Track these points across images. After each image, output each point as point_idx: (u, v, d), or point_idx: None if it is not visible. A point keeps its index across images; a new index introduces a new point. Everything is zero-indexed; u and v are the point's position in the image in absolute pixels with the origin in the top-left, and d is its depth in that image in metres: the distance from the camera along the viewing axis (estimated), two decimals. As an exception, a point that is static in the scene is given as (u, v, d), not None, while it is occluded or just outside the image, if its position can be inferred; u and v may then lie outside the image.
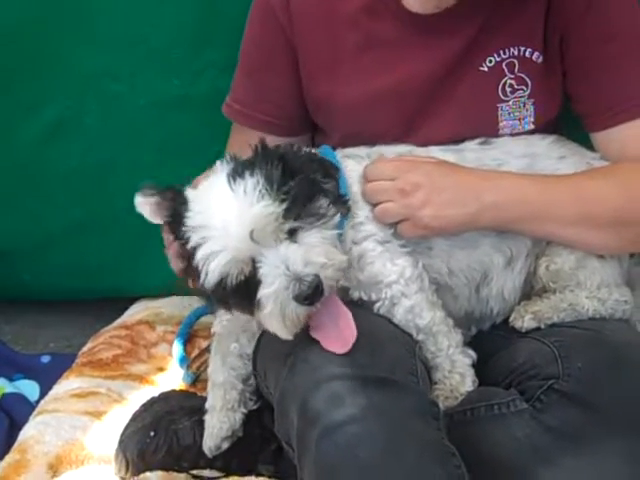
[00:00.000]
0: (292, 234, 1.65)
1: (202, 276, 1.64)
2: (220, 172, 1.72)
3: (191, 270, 1.68)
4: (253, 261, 1.64)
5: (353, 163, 1.96)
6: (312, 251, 1.65)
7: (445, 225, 1.89)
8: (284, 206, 1.64)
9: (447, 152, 2.01)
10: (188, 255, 1.67)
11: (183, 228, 1.67)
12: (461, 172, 1.93)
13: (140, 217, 2.72)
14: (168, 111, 2.63)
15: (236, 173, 1.67)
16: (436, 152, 2.01)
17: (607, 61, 1.97)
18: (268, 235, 1.63)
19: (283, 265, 1.62)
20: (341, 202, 1.77)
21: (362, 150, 2.00)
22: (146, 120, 2.65)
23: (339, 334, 1.70)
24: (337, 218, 1.73)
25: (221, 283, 1.64)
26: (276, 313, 1.64)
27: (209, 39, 2.54)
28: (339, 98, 2.06)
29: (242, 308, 1.70)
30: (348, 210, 1.81)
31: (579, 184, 1.95)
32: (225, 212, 1.63)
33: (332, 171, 1.79)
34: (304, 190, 1.68)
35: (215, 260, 1.62)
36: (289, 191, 1.65)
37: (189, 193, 1.73)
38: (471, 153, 2.00)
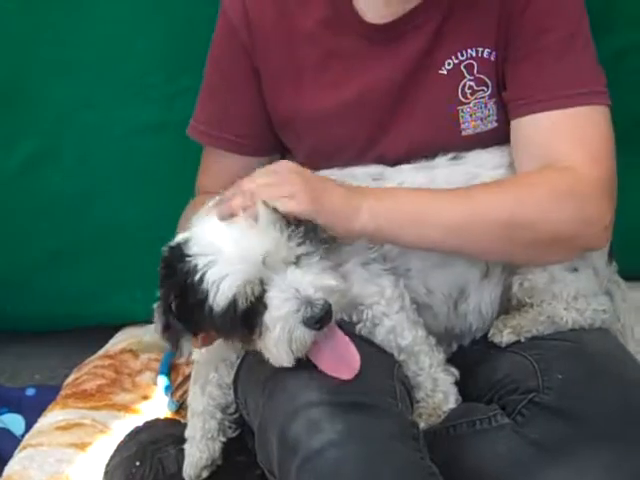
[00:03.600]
0: (298, 260, 1.67)
1: (211, 298, 1.64)
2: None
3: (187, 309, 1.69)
4: (262, 283, 1.65)
5: None
6: (320, 276, 1.66)
7: (326, 209, 1.77)
8: (293, 232, 1.66)
9: (419, 170, 2.00)
10: (189, 285, 1.66)
11: (186, 259, 1.67)
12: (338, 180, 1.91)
13: (120, 245, 2.75)
14: (144, 138, 2.65)
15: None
16: (408, 171, 2.01)
17: (536, 51, 1.94)
18: (279, 260, 1.65)
19: (293, 289, 1.64)
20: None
21: (335, 171, 1.99)
22: (123, 148, 2.67)
23: (343, 360, 1.71)
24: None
25: (232, 305, 1.64)
26: (283, 337, 1.64)
27: (183, 65, 2.56)
28: (303, 114, 2.07)
29: (244, 335, 1.70)
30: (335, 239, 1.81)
31: (468, 190, 1.92)
32: (237, 236, 1.65)
33: None
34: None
35: (228, 280, 1.63)
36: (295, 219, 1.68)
37: (182, 235, 1.74)
38: (442, 170, 2.00)
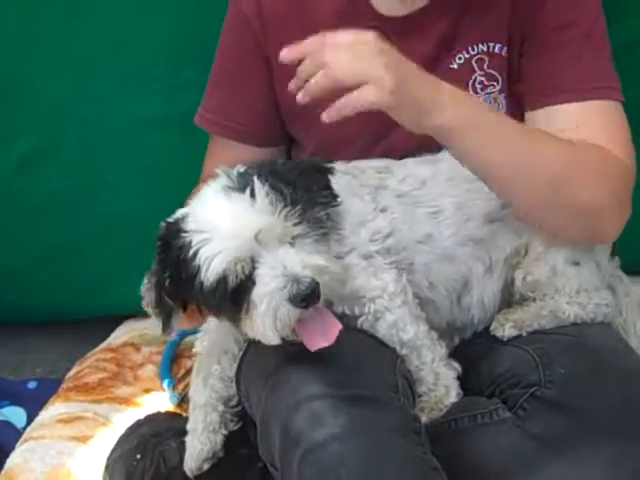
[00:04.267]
0: (292, 241, 1.67)
1: (202, 274, 1.64)
2: (219, 181, 1.73)
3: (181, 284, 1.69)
4: (252, 261, 1.65)
5: (334, 178, 1.95)
6: (311, 255, 1.66)
7: (406, 98, 1.71)
8: (290, 211, 1.66)
9: (423, 164, 2.01)
10: (182, 260, 1.67)
11: (182, 234, 1.68)
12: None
13: (122, 238, 2.75)
14: (146, 132, 2.65)
15: (240, 179, 1.70)
16: (412, 164, 2.01)
17: (558, 45, 1.95)
18: (272, 238, 1.65)
19: (281, 266, 1.64)
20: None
21: (340, 165, 1.99)
22: (124, 142, 2.67)
23: (323, 331, 1.70)
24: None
25: (222, 282, 1.64)
26: (269, 314, 1.64)
27: (185, 58, 2.56)
28: (312, 106, 2.05)
29: (232, 313, 1.70)
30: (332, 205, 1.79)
31: (536, 133, 1.90)
32: (232, 213, 1.65)
33: (328, 180, 1.79)
34: (306, 198, 1.70)
35: (219, 257, 1.63)
36: (293, 198, 1.67)
37: (180, 211, 1.74)
38: (446, 163, 1.99)
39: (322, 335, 1.69)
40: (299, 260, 1.64)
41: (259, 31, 2.07)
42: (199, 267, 1.65)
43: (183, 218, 1.72)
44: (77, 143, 2.68)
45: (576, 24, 1.96)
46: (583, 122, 1.93)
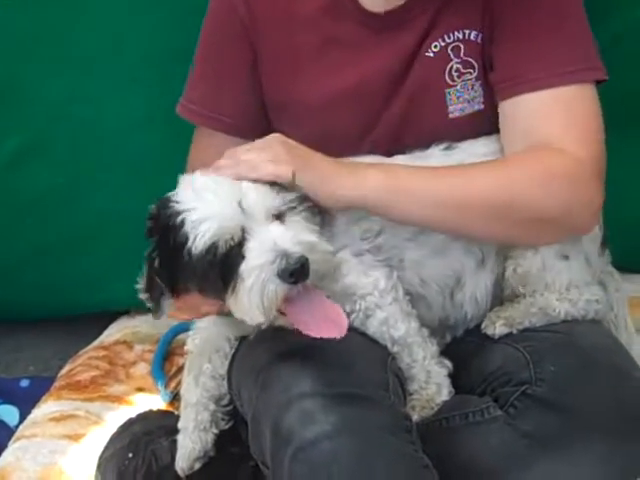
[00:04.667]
0: (281, 217, 1.68)
1: (190, 242, 1.64)
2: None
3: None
4: (243, 232, 1.65)
5: None
6: (302, 232, 1.67)
7: (319, 176, 1.81)
8: (276, 187, 1.68)
9: (414, 160, 2.00)
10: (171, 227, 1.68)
11: (169, 204, 1.69)
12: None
13: (112, 236, 2.75)
14: (135, 132, 2.65)
15: None
16: (403, 161, 2.00)
17: (524, 31, 1.94)
18: (259, 210, 1.65)
19: (271, 241, 1.64)
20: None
21: None
22: (113, 141, 2.67)
23: (328, 319, 1.69)
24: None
25: (211, 249, 1.64)
26: (256, 288, 1.63)
27: (173, 58, 2.54)
28: (299, 100, 2.07)
29: (219, 287, 1.69)
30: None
31: (461, 168, 1.93)
32: (217, 185, 1.68)
33: None
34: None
35: (206, 223, 1.63)
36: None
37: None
38: (436, 159, 1.99)
39: (331, 323, 1.68)
40: (290, 236, 1.64)
41: (246, 18, 2.06)
42: (187, 235, 1.65)
43: (172, 195, 1.73)
44: (68, 141, 2.67)
45: (542, 7, 1.94)
46: (543, 112, 1.92)
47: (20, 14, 2.54)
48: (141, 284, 1.76)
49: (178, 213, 1.67)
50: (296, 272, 1.62)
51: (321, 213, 1.80)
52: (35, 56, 2.57)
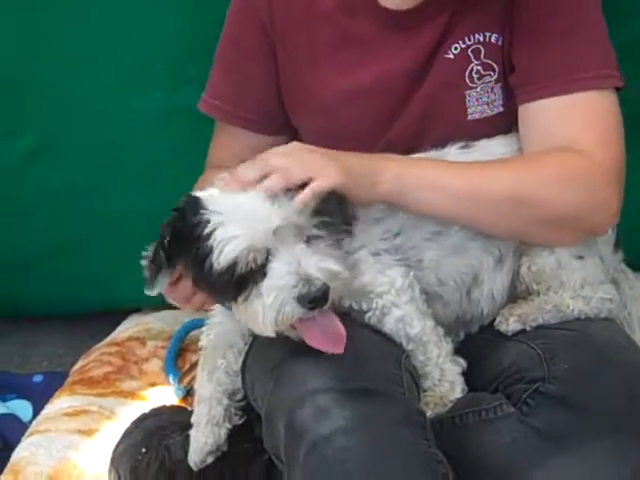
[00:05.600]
0: (308, 241, 1.69)
1: (215, 256, 1.65)
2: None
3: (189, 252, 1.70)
4: (267, 252, 1.66)
5: None
6: (326, 260, 1.67)
7: (354, 178, 1.81)
8: (310, 212, 1.68)
9: None
10: (196, 236, 1.68)
11: (200, 210, 1.69)
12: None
13: (126, 232, 2.76)
14: (150, 127, 2.65)
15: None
16: None
17: (543, 36, 1.95)
18: (289, 233, 1.66)
19: (296, 263, 1.65)
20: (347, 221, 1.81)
21: None
22: (128, 137, 2.67)
23: (330, 335, 1.71)
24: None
25: (232, 267, 1.65)
26: (274, 308, 1.65)
27: (188, 53, 2.55)
28: (315, 96, 2.07)
29: (229, 296, 1.71)
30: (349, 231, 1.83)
31: (478, 163, 1.95)
32: (253, 202, 1.67)
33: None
34: (327, 204, 1.73)
35: (234, 242, 1.64)
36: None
37: (200, 192, 1.76)
38: (453, 159, 2.00)
39: (331, 342, 1.71)
40: (314, 261, 1.66)
41: (266, 17, 2.07)
42: (212, 248, 1.66)
43: (203, 198, 1.73)
44: (80, 140, 2.68)
45: (562, 11, 1.94)
46: (562, 116, 1.93)
47: (32, 12, 2.55)
48: (149, 252, 1.76)
49: (207, 223, 1.68)
50: (316, 300, 1.64)
51: (348, 234, 1.82)
52: (46, 53, 2.58)
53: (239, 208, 1.68)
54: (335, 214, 1.75)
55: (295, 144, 1.88)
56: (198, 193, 1.76)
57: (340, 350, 1.70)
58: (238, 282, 1.67)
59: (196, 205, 1.72)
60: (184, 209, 1.73)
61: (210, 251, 1.66)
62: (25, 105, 2.65)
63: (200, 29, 2.47)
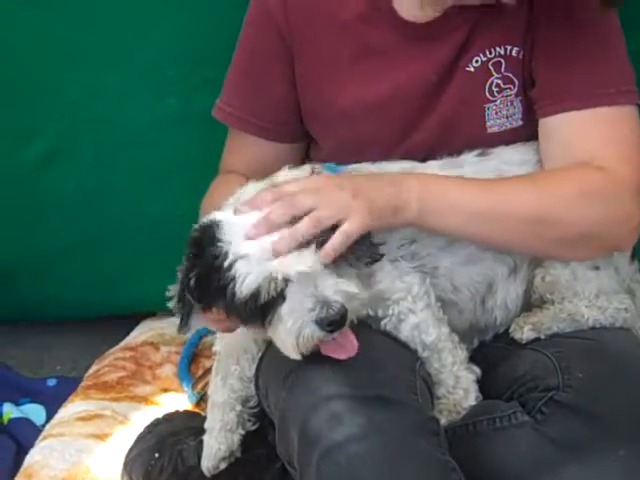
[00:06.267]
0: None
1: (237, 288, 1.65)
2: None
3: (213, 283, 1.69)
4: (285, 279, 1.65)
5: None
6: (343, 282, 1.67)
7: (381, 213, 1.78)
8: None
9: (447, 167, 2.00)
10: (216, 267, 1.68)
11: (217, 243, 1.68)
12: (378, 174, 1.93)
13: (141, 235, 2.76)
14: (163, 131, 2.65)
15: None
16: (435, 168, 2.01)
17: (566, 50, 1.94)
18: (308, 270, 1.65)
19: (313, 287, 1.65)
20: (373, 251, 1.79)
21: (367, 165, 2.00)
22: (142, 141, 2.67)
23: (348, 343, 1.71)
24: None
25: (254, 296, 1.65)
26: (293, 331, 1.65)
27: (203, 57, 2.55)
28: (333, 106, 2.07)
29: (257, 322, 1.71)
30: (377, 260, 1.81)
31: (497, 181, 1.93)
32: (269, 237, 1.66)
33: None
34: None
35: (254, 274, 1.64)
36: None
37: (213, 217, 1.74)
38: (469, 167, 2.00)
39: (343, 352, 1.71)
40: (332, 283, 1.66)
41: (284, 27, 2.07)
42: (233, 279, 1.66)
43: (217, 225, 1.71)
44: (94, 143, 2.68)
45: (584, 26, 1.94)
46: (584, 131, 1.93)
47: (46, 17, 2.55)
48: (172, 293, 1.75)
49: (226, 255, 1.67)
50: (335, 323, 1.64)
51: (368, 257, 1.80)
52: (59, 57, 2.58)
53: (257, 242, 1.67)
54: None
55: (322, 179, 1.83)
56: (211, 217, 1.74)
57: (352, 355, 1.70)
58: (262, 309, 1.67)
59: (211, 234, 1.70)
60: (201, 239, 1.72)
61: (231, 282, 1.66)
62: (39, 110, 2.65)
63: (215, 32, 2.48)
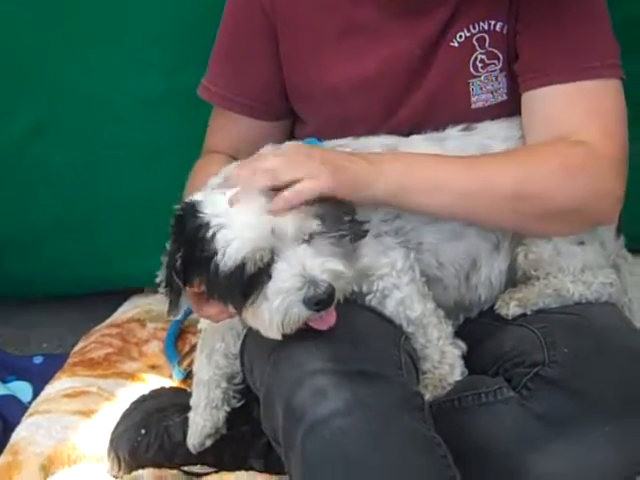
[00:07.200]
0: (310, 239, 1.67)
1: (218, 259, 1.64)
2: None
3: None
4: (272, 253, 1.65)
5: None
6: (330, 260, 1.66)
7: (346, 183, 1.78)
8: (309, 209, 1.67)
9: (430, 141, 2.01)
10: (199, 239, 1.67)
11: (198, 214, 1.68)
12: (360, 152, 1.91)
13: (126, 213, 2.76)
14: (148, 108, 2.64)
15: None
16: (419, 142, 2.01)
17: (549, 24, 1.93)
18: (290, 232, 1.65)
19: (300, 265, 1.64)
20: (357, 228, 1.78)
21: (349, 141, 1.99)
22: (127, 118, 2.66)
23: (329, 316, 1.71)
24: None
25: (240, 268, 1.64)
26: (280, 311, 1.64)
27: (186, 35, 2.54)
28: (319, 84, 2.07)
29: (238, 300, 1.69)
30: (362, 237, 1.81)
31: (479, 159, 1.93)
32: (249, 201, 1.66)
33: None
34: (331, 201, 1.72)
35: (237, 243, 1.63)
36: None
37: (194, 196, 1.74)
38: (453, 141, 2.00)
39: (322, 322, 1.70)
40: (319, 262, 1.65)
41: (269, 8, 2.06)
42: (216, 250, 1.65)
43: (199, 202, 1.71)
44: (81, 118, 2.66)
45: (569, 2, 1.93)
46: (566, 104, 1.92)
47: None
48: (160, 277, 1.75)
49: (207, 226, 1.66)
50: (322, 301, 1.63)
51: (352, 234, 1.79)
52: (44, 34, 2.56)
53: (238, 210, 1.66)
54: (334, 211, 1.73)
55: (294, 145, 1.86)
56: (192, 197, 1.74)
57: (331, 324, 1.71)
58: (246, 283, 1.66)
59: (193, 209, 1.70)
60: (182, 216, 1.72)
61: (214, 253, 1.65)
62: (25, 84, 2.63)
63: (199, 11, 2.47)
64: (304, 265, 1.64)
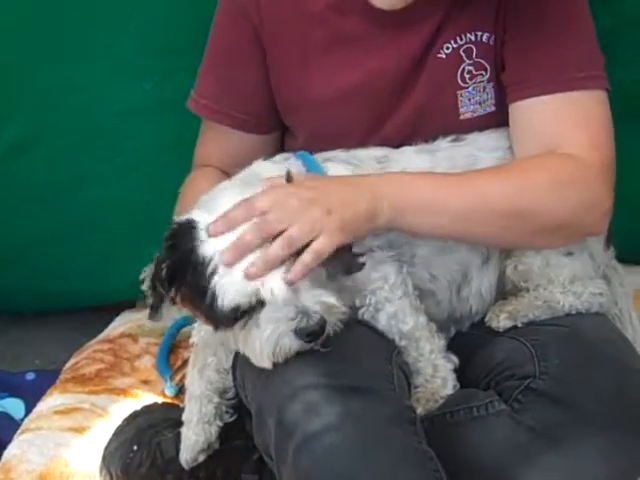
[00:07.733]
0: None
1: (218, 302, 1.64)
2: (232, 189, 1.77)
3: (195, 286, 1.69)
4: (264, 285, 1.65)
5: (335, 165, 1.96)
6: (324, 292, 1.67)
7: (355, 227, 1.76)
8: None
9: (422, 153, 2.01)
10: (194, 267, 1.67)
11: (195, 245, 1.67)
12: (347, 177, 1.90)
13: (114, 226, 2.75)
14: (137, 119, 2.64)
15: None
16: (410, 153, 2.01)
17: (535, 35, 1.94)
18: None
19: (294, 295, 1.64)
20: (353, 262, 1.78)
21: (340, 153, 2.00)
22: (115, 129, 2.66)
23: None
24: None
25: (236, 309, 1.65)
26: (271, 340, 1.64)
27: (175, 45, 2.54)
28: (308, 96, 2.07)
29: (230, 325, 1.70)
30: (358, 270, 1.80)
31: (471, 177, 1.92)
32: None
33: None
34: None
35: (235, 290, 1.64)
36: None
37: (191, 216, 1.73)
38: (443, 152, 2.00)
39: None
40: (313, 294, 1.65)
41: (255, 18, 2.06)
42: (213, 292, 1.65)
43: (196, 226, 1.70)
44: (67, 130, 2.66)
45: (553, 11, 1.94)
46: (553, 116, 1.93)
47: (18, 4, 2.54)
48: (146, 281, 1.74)
49: (204, 260, 1.66)
50: (314, 333, 1.64)
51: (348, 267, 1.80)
52: (31, 44, 2.56)
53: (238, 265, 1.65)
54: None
55: (294, 191, 1.75)
56: (190, 217, 1.73)
57: None
58: (240, 316, 1.67)
59: (189, 234, 1.69)
60: (178, 237, 1.71)
61: (210, 291, 1.65)
62: (11, 96, 2.63)
63: (188, 20, 2.48)
64: (297, 295, 1.64)
